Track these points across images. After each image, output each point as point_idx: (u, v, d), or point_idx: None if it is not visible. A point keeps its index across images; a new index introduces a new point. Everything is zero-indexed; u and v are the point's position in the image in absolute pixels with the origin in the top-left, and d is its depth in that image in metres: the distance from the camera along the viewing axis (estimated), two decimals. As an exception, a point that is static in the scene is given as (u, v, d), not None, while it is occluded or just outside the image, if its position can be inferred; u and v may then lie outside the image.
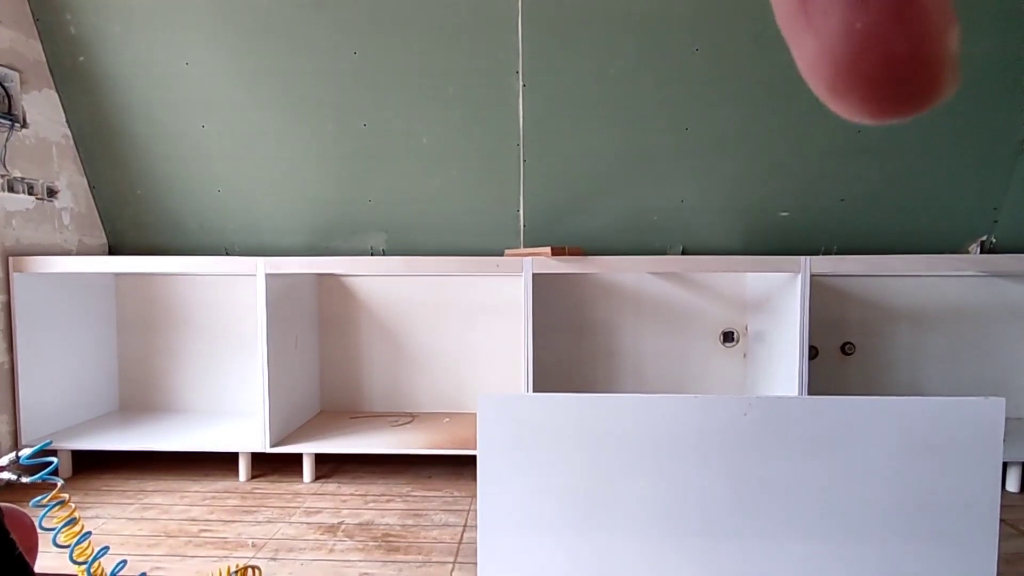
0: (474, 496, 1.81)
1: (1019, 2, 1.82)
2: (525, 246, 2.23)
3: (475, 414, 1.72)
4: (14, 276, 1.90)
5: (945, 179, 2.08)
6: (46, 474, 1.05)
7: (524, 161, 2.13)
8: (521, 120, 2.07)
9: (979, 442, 0.99)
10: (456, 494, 1.87)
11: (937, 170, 2.06)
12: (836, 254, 2.17)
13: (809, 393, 1.82)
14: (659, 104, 2.03)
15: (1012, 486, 1.85)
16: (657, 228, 2.21)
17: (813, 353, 2.23)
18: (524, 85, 2.03)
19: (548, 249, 1.83)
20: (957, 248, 2.17)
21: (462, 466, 2.07)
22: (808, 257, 1.81)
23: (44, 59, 2.06)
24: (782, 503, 1.02)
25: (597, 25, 1.95)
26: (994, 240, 2.14)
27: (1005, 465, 1.83)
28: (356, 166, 2.17)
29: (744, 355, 2.28)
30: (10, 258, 1.91)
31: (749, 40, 1.92)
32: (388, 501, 1.81)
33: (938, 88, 0.12)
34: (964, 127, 1.99)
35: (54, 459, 1.07)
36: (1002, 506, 0.99)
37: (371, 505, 1.78)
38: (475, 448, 1.07)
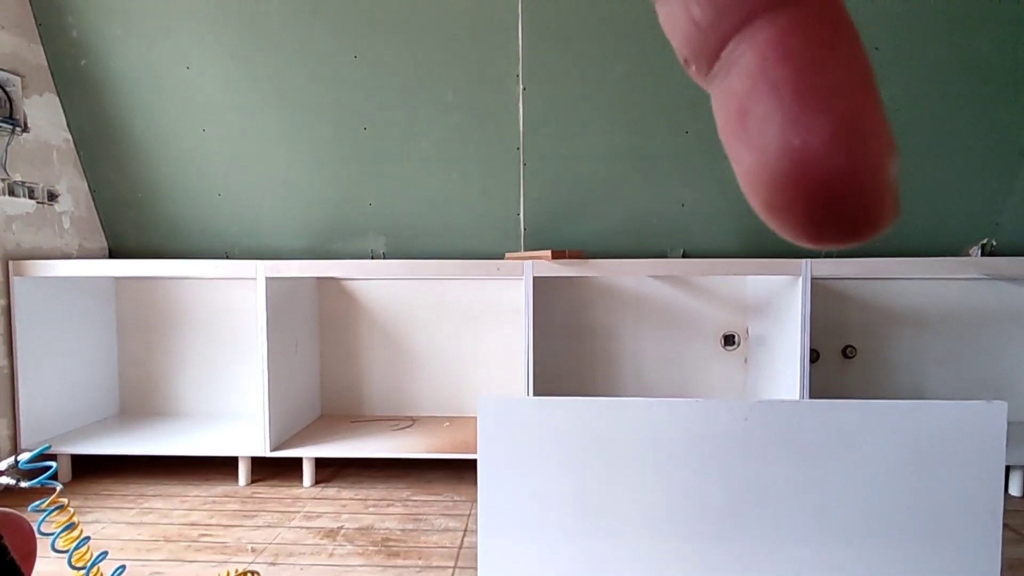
0: (474, 500, 1.81)
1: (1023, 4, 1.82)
2: (525, 249, 2.23)
3: (475, 418, 1.72)
4: (14, 280, 1.90)
5: (947, 181, 2.07)
6: (45, 478, 1.05)
7: (524, 165, 2.13)
8: (521, 124, 2.07)
9: (982, 446, 0.99)
10: (456, 498, 1.86)
11: (939, 172, 2.06)
12: (837, 257, 2.17)
13: (810, 397, 1.81)
14: (659, 107, 2.03)
15: (1015, 490, 1.84)
16: (657, 231, 2.21)
17: (814, 357, 2.22)
18: (524, 88, 2.03)
19: (548, 252, 1.83)
20: (958, 251, 2.17)
21: (462, 470, 2.06)
22: (809, 260, 1.80)
23: (46, 63, 2.06)
24: (783, 508, 1.02)
25: (597, 29, 1.95)
26: (995, 243, 2.13)
27: (1008, 469, 1.82)
28: (356, 170, 2.17)
29: (745, 359, 2.28)
30: (10, 262, 1.91)
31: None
32: (388, 505, 1.81)
33: (879, 216, 0.11)
34: (966, 129, 1.99)
35: (53, 463, 1.06)
36: (1005, 511, 0.99)
37: (371, 509, 1.78)
38: (475, 452, 1.07)
